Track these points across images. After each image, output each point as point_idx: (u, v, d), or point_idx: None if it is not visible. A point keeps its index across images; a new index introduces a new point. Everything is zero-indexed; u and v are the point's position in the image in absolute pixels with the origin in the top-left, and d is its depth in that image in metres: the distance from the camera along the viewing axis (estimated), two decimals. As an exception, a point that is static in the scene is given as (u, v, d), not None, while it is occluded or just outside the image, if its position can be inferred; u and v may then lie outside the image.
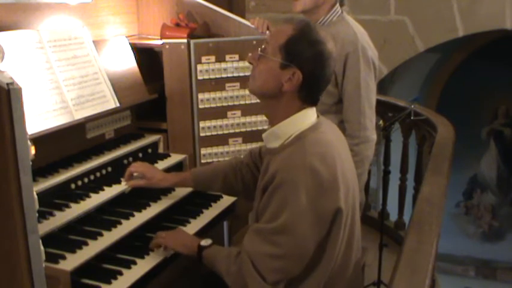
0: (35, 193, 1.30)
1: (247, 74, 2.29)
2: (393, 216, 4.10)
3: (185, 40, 2.45)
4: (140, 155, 2.37)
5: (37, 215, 1.32)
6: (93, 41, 2.28)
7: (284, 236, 1.57)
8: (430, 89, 7.69)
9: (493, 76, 7.42)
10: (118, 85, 2.30)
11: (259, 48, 1.70)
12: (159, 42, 2.52)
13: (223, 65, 2.49)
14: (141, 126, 2.52)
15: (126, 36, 2.56)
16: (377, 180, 5.47)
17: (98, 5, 2.48)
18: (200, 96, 2.48)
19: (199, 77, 2.46)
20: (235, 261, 1.67)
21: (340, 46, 2.35)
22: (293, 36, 1.63)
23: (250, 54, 1.73)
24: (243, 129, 2.57)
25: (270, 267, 1.59)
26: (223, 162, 2.11)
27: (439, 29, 4.91)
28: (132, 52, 2.46)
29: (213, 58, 2.48)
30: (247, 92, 2.45)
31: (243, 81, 2.48)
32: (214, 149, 2.54)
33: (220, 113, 2.52)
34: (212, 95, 2.49)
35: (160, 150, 2.50)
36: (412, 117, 3.26)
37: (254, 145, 2.57)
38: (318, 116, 1.73)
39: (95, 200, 1.96)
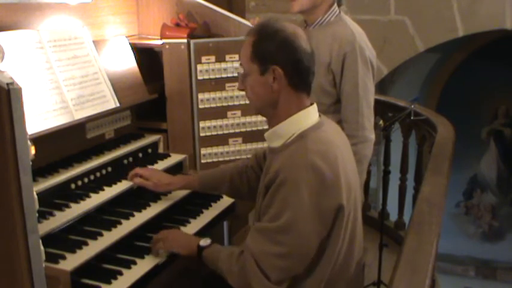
0: (35, 193, 1.30)
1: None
2: (393, 216, 4.10)
3: (185, 40, 2.45)
4: (140, 155, 2.37)
5: (37, 215, 1.32)
6: (93, 41, 2.28)
7: (287, 234, 1.58)
8: (430, 89, 7.69)
9: (493, 76, 7.42)
10: (118, 85, 2.30)
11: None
12: (159, 42, 2.53)
13: (223, 65, 2.49)
14: (141, 126, 2.52)
15: (126, 36, 2.56)
16: (377, 180, 5.47)
17: (98, 5, 2.48)
18: (200, 96, 2.48)
19: (199, 77, 2.46)
20: (238, 260, 1.67)
21: (338, 46, 2.35)
22: (254, 42, 1.68)
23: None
24: (243, 129, 2.57)
25: (273, 266, 1.60)
26: (229, 165, 2.12)
27: (439, 29, 4.91)
28: (132, 52, 2.46)
29: (213, 58, 2.48)
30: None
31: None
32: (214, 149, 2.54)
33: (220, 113, 2.52)
34: (212, 95, 2.49)
35: (160, 150, 2.50)
36: (412, 117, 3.26)
37: (254, 145, 2.57)
38: (319, 116, 1.74)
39: (95, 200, 1.96)
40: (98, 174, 2.13)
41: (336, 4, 2.45)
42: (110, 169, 2.18)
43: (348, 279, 1.73)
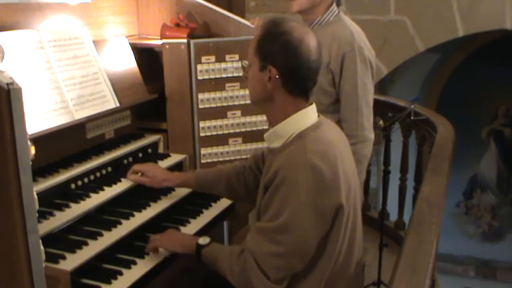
0: (35, 193, 1.30)
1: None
2: (393, 216, 4.10)
3: (185, 40, 2.45)
4: (140, 155, 2.37)
5: (37, 215, 1.32)
6: (93, 41, 2.28)
7: (286, 234, 1.58)
8: (430, 89, 7.69)
9: (493, 76, 7.42)
10: (118, 85, 2.30)
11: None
12: (159, 42, 2.52)
13: (223, 65, 2.49)
14: (141, 126, 2.52)
15: (126, 36, 2.56)
16: (377, 180, 5.48)
17: (98, 5, 2.48)
18: (200, 96, 2.48)
19: (199, 77, 2.46)
20: (238, 260, 1.67)
21: (337, 46, 2.36)
22: (261, 37, 1.68)
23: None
24: (243, 129, 2.56)
25: (273, 265, 1.60)
26: (227, 166, 2.11)
27: (439, 29, 4.91)
28: (132, 52, 2.46)
29: (213, 58, 2.48)
30: (247, 92, 2.45)
31: (243, 81, 2.48)
32: (214, 149, 2.54)
33: (220, 113, 2.52)
34: (212, 95, 2.49)
35: (160, 150, 2.50)
36: (412, 117, 3.26)
37: (254, 145, 2.57)
38: (318, 116, 1.74)
39: (95, 200, 1.96)
40: (98, 174, 2.12)
41: (335, 4, 2.46)
42: (110, 169, 2.18)
43: (348, 279, 1.74)
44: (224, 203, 2.29)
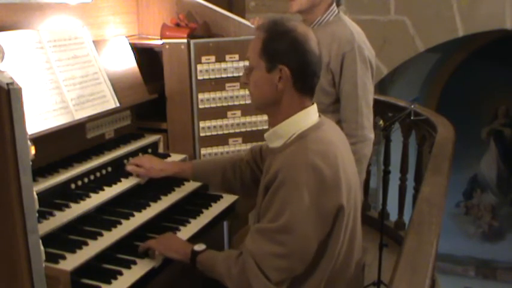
0: (35, 193, 1.30)
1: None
2: (393, 216, 4.10)
3: (185, 40, 2.45)
4: (140, 155, 2.37)
5: (37, 215, 1.32)
6: (93, 41, 2.28)
7: (287, 235, 1.58)
8: (430, 89, 7.69)
9: (493, 76, 7.43)
10: (118, 85, 2.30)
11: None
12: (159, 42, 2.52)
13: (223, 65, 2.49)
14: (141, 126, 2.52)
15: (126, 36, 2.56)
16: (377, 180, 5.48)
17: (98, 5, 2.48)
18: (200, 96, 2.48)
19: (199, 77, 2.46)
20: (237, 262, 1.66)
21: (337, 46, 2.36)
22: (265, 39, 1.67)
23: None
24: (243, 129, 2.56)
25: (274, 266, 1.59)
26: (224, 158, 2.14)
27: (439, 29, 4.91)
28: (132, 52, 2.46)
29: (213, 58, 2.48)
30: (247, 91, 2.45)
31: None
32: (214, 149, 2.54)
33: (220, 113, 2.52)
34: (212, 95, 2.49)
35: (160, 150, 2.50)
36: (412, 117, 3.26)
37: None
38: (319, 116, 1.74)
39: (95, 200, 1.96)
40: (98, 174, 2.12)
41: (334, 4, 2.46)
42: (110, 169, 2.18)
43: (348, 279, 1.74)
44: (224, 203, 2.29)
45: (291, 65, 1.64)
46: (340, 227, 1.63)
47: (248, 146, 2.56)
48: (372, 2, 5.00)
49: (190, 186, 2.28)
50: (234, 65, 2.50)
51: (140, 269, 1.78)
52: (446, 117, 3.69)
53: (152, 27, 2.73)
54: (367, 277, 3.03)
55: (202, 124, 2.50)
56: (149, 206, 2.06)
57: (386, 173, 3.50)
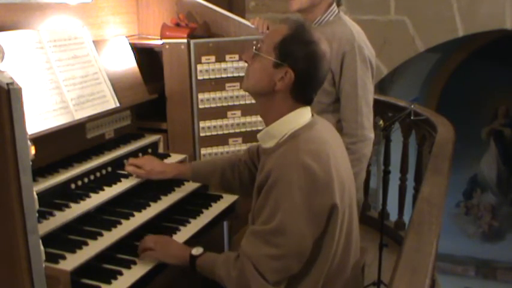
0: (35, 193, 1.30)
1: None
2: (393, 216, 4.10)
3: (185, 40, 2.45)
4: (140, 155, 2.37)
5: (37, 215, 1.32)
6: (93, 41, 2.28)
7: (281, 236, 1.58)
8: (430, 89, 7.69)
9: (493, 76, 7.42)
10: (118, 85, 2.30)
11: (254, 47, 1.71)
12: (159, 42, 2.52)
13: (223, 65, 2.49)
14: (141, 126, 2.52)
15: (126, 36, 2.56)
16: (377, 180, 5.47)
17: (98, 5, 2.48)
18: (200, 96, 2.48)
19: (199, 77, 2.46)
20: (235, 265, 1.66)
21: (337, 45, 2.35)
22: (287, 36, 1.65)
23: (244, 53, 1.76)
24: (243, 129, 2.56)
25: (271, 267, 1.59)
26: (223, 158, 2.14)
27: (439, 29, 4.91)
28: (132, 52, 2.46)
29: (213, 58, 2.48)
30: (247, 92, 2.46)
31: (243, 81, 2.48)
32: (214, 149, 2.54)
33: (220, 113, 2.52)
34: (212, 95, 2.49)
35: (160, 150, 2.50)
36: (412, 117, 3.26)
37: (254, 145, 2.57)
38: (312, 115, 1.74)
39: (95, 200, 1.96)
40: (98, 174, 2.13)
41: (335, 3, 2.46)
42: (110, 169, 2.18)
43: (346, 279, 1.73)
44: (224, 203, 2.29)
45: (298, 72, 1.63)
46: (335, 226, 1.63)
47: (248, 146, 2.57)
48: (372, 2, 5.00)
49: (190, 186, 2.28)
50: (234, 65, 2.50)
51: (140, 269, 1.78)
52: (446, 117, 3.69)
53: (152, 27, 2.73)
54: (367, 277, 3.03)
55: (202, 124, 2.50)
56: (149, 206, 2.06)
57: (386, 173, 3.50)
